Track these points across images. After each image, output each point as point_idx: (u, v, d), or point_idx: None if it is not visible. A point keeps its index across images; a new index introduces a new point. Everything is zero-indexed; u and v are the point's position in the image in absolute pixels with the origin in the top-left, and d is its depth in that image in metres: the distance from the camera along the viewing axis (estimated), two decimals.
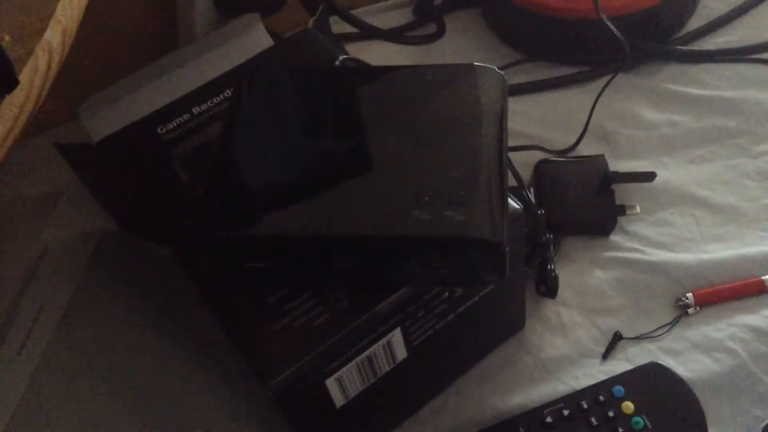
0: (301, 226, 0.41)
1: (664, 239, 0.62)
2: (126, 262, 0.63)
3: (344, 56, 0.56)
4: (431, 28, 0.79)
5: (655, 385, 0.53)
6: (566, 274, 0.60)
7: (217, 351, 0.56)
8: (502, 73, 0.47)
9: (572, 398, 0.53)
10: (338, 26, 0.75)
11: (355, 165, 0.43)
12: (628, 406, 0.52)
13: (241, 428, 0.55)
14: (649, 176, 0.63)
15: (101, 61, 0.68)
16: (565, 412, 0.52)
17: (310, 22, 0.60)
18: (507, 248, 0.40)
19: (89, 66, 0.66)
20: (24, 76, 0.38)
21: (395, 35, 0.77)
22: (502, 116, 0.45)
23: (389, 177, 0.42)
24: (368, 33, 0.76)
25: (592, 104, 0.67)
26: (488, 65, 0.48)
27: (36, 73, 0.40)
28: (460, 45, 0.78)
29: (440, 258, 0.40)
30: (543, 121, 0.70)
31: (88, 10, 0.43)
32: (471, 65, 0.47)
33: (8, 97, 0.38)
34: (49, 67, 0.40)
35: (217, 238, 0.41)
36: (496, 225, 0.39)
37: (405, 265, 0.41)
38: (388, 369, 0.48)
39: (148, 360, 0.58)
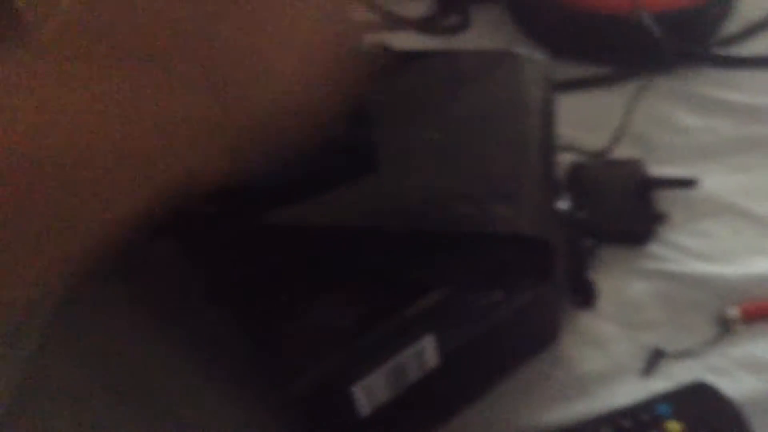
0: (336, 217, 0.36)
1: (705, 250, 0.58)
2: (129, 255, 0.59)
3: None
4: (454, 21, 0.75)
5: (703, 406, 0.49)
6: (602, 285, 0.56)
7: (226, 356, 0.52)
8: (548, 61, 0.43)
9: (611, 417, 0.49)
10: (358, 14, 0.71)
11: (394, 155, 0.39)
12: (674, 428, 0.47)
13: None
14: (690, 182, 0.59)
15: None
16: None
17: None
18: (556, 248, 0.36)
19: None
20: None
21: (420, 24, 0.73)
22: (550, 109, 0.41)
23: (429, 169, 0.38)
24: (390, 21, 0.72)
25: (624, 106, 0.63)
26: (535, 52, 0.44)
27: None
28: (485, 39, 0.75)
29: (483, 256, 0.36)
30: (573, 122, 0.66)
31: None
32: (516, 52, 0.44)
33: None
34: None
35: (244, 228, 0.37)
36: (545, 223, 0.36)
37: (445, 262, 0.37)
38: (417, 377, 0.43)
39: (150, 359, 0.54)
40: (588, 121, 0.66)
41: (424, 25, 0.74)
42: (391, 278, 0.39)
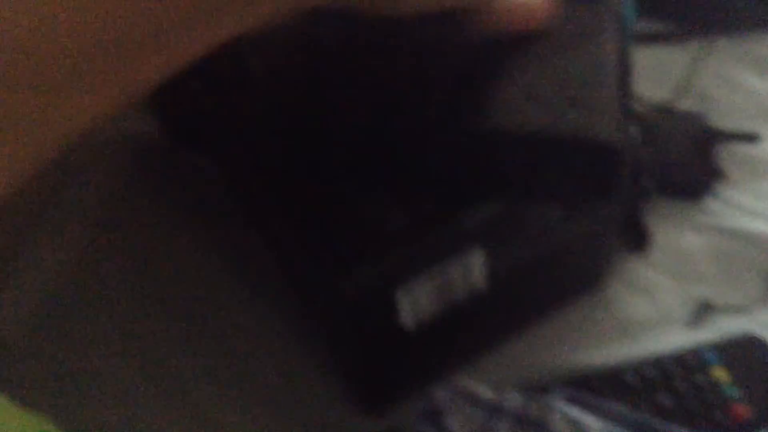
0: (399, 115, 0.36)
1: (762, 209, 0.56)
2: (170, 177, 0.59)
3: None
4: None
5: (751, 356, 0.47)
6: (655, 235, 0.54)
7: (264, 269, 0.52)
8: None
9: (657, 361, 0.48)
10: None
11: (462, 62, 0.38)
12: (722, 375, 0.46)
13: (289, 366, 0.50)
14: (752, 137, 0.57)
15: None
16: (649, 375, 0.47)
17: None
18: (629, 158, 0.35)
19: None
20: None
21: None
22: (626, 33, 0.40)
23: (498, 74, 0.37)
24: None
25: (689, 63, 0.62)
26: None
27: None
28: None
29: (554, 161, 0.36)
30: (638, 75, 0.64)
31: None
32: None
33: None
34: None
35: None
36: (620, 130, 0.34)
37: (512, 168, 0.36)
38: (462, 295, 0.42)
39: (183, 269, 0.54)
40: (652, 75, 0.65)
41: None
42: (451, 183, 0.38)
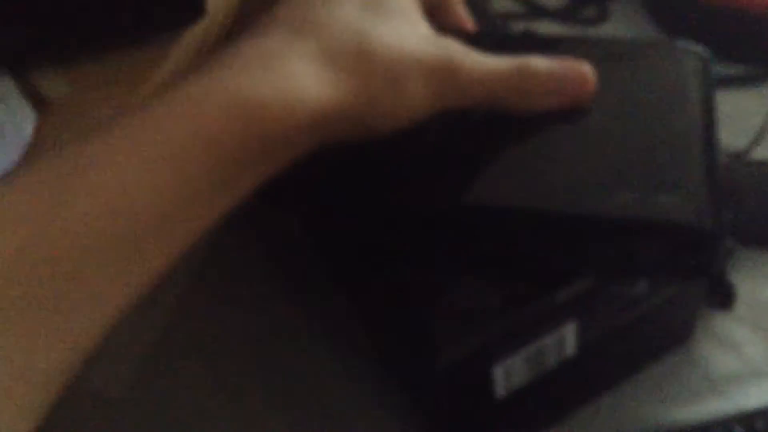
0: (494, 199, 0.37)
1: None
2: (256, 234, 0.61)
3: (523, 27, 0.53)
4: (592, 13, 0.75)
5: None
6: (739, 288, 0.55)
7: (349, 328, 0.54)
8: (706, 54, 0.43)
9: (745, 417, 0.48)
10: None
11: (550, 139, 0.39)
12: None
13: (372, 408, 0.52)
14: None
15: None
16: (737, 431, 0.48)
17: None
18: (721, 241, 0.35)
19: None
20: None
21: (559, 14, 0.73)
22: (711, 102, 0.40)
23: (589, 154, 0.38)
24: (531, 11, 0.73)
25: (765, 107, 0.62)
26: (691, 43, 0.43)
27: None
28: (622, 32, 0.74)
29: (646, 246, 0.36)
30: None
31: None
32: (673, 42, 0.43)
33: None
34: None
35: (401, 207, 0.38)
36: (714, 214, 0.35)
37: (603, 250, 0.37)
38: (554, 364, 0.44)
39: (280, 320, 0.56)
40: (728, 121, 0.65)
41: (563, 15, 0.74)
42: (543, 263, 0.40)
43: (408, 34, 0.35)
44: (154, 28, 0.38)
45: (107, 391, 0.55)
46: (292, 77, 0.31)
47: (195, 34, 0.40)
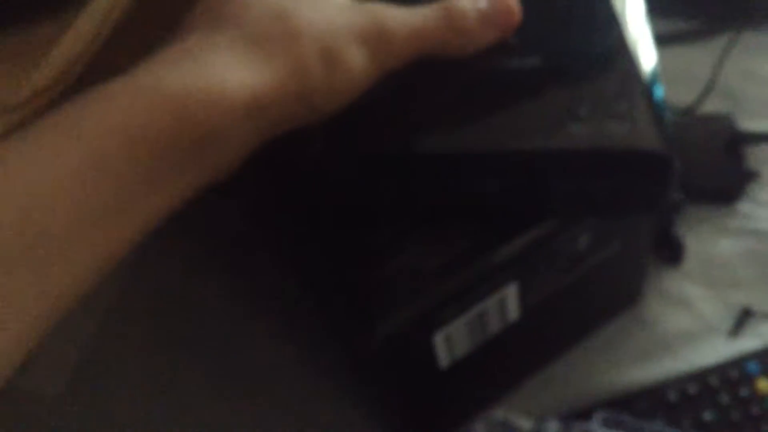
0: (442, 143, 0.35)
1: None
2: (193, 216, 0.59)
3: None
4: None
5: None
6: (688, 244, 0.54)
7: (295, 310, 0.52)
8: None
9: (698, 375, 0.48)
10: None
11: (498, 81, 0.37)
12: (765, 385, 0.46)
13: (319, 395, 0.50)
14: None
15: None
16: (691, 390, 0.47)
17: None
18: (675, 163, 0.34)
19: None
20: None
21: None
22: (647, 33, 0.39)
23: (536, 92, 0.36)
24: None
25: (713, 61, 0.61)
26: None
27: None
28: None
29: (600, 176, 0.35)
30: (661, 78, 0.64)
31: None
32: None
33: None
34: None
35: (345, 156, 0.36)
36: (665, 138, 0.34)
37: (556, 187, 0.36)
38: (498, 329, 0.42)
39: (216, 313, 0.55)
40: (676, 76, 0.63)
41: None
42: (504, 206, 0.38)
43: (328, 6, 0.33)
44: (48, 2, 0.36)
45: (43, 389, 0.54)
46: (218, 68, 0.30)
47: (100, 5, 0.37)
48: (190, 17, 0.33)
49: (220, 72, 0.30)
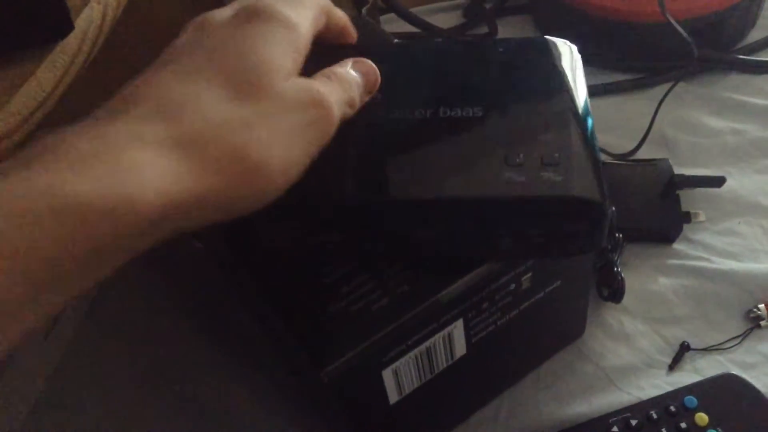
0: (381, 192, 0.37)
1: (732, 249, 0.58)
2: (156, 252, 0.61)
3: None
4: (483, 30, 0.77)
5: (731, 397, 0.49)
6: (628, 281, 0.56)
7: (252, 344, 0.54)
8: (574, 46, 0.44)
9: (640, 408, 0.49)
10: (392, 25, 0.73)
11: (437, 131, 0.39)
12: (702, 418, 0.48)
13: (276, 422, 0.52)
14: (718, 181, 0.59)
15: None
16: (633, 422, 0.48)
17: (363, 11, 0.58)
18: (610, 209, 0.36)
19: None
20: (78, 24, 0.36)
21: (452, 33, 0.75)
22: (580, 84, 0.42)
23: (475, 142, 0.38)
24: (424, 31, 0.74)
25: (651, 110, 0.64)
26: (561, 39, 0.45)
27: (91, 23, 0.37)
28: None
29: (536, 222, 0.37)
30: (601, 126, 0.67)
31: None
32: (544, 38, 0.44)
33: (61, 45, 0.36)
34: (103, 19, 0.38)
35: (291, 206, 0.38)
36: (598, 185, 0.36)
37: (495, 233, 0.38)
38: (445, 365, 0.44)
39: (177, 348, 0.56)
40: (615, 125, 0.67)
41: (456, 34, 0.75)
42: (443, 252, 0.40)
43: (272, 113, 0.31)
44: (16, 44, 0.37)
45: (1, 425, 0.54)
46: (133, 170, 0.27)
47: (67, 47, 0.39)
48: (122, 94, 0.30)
49: (136, 176, 0.27)
